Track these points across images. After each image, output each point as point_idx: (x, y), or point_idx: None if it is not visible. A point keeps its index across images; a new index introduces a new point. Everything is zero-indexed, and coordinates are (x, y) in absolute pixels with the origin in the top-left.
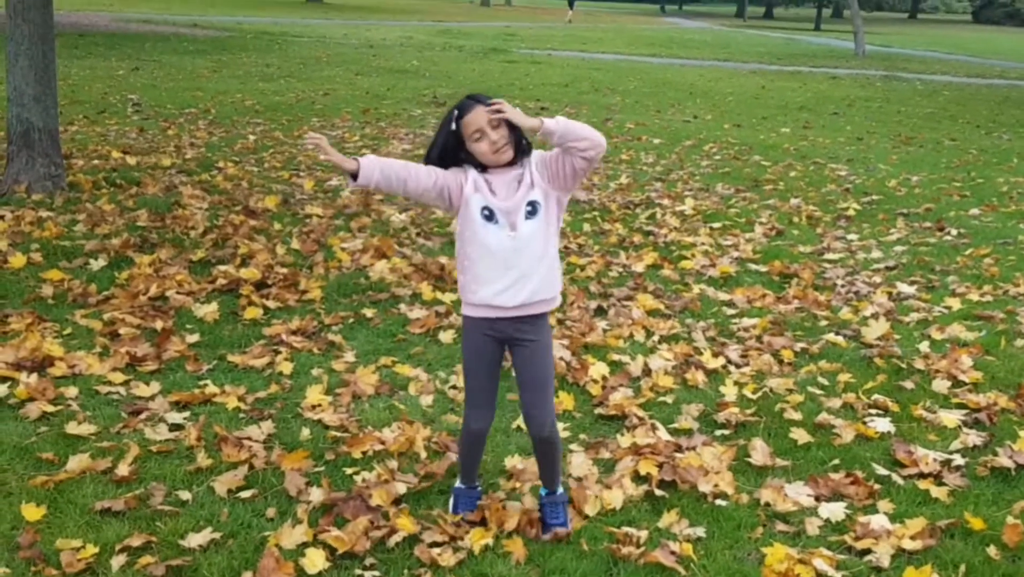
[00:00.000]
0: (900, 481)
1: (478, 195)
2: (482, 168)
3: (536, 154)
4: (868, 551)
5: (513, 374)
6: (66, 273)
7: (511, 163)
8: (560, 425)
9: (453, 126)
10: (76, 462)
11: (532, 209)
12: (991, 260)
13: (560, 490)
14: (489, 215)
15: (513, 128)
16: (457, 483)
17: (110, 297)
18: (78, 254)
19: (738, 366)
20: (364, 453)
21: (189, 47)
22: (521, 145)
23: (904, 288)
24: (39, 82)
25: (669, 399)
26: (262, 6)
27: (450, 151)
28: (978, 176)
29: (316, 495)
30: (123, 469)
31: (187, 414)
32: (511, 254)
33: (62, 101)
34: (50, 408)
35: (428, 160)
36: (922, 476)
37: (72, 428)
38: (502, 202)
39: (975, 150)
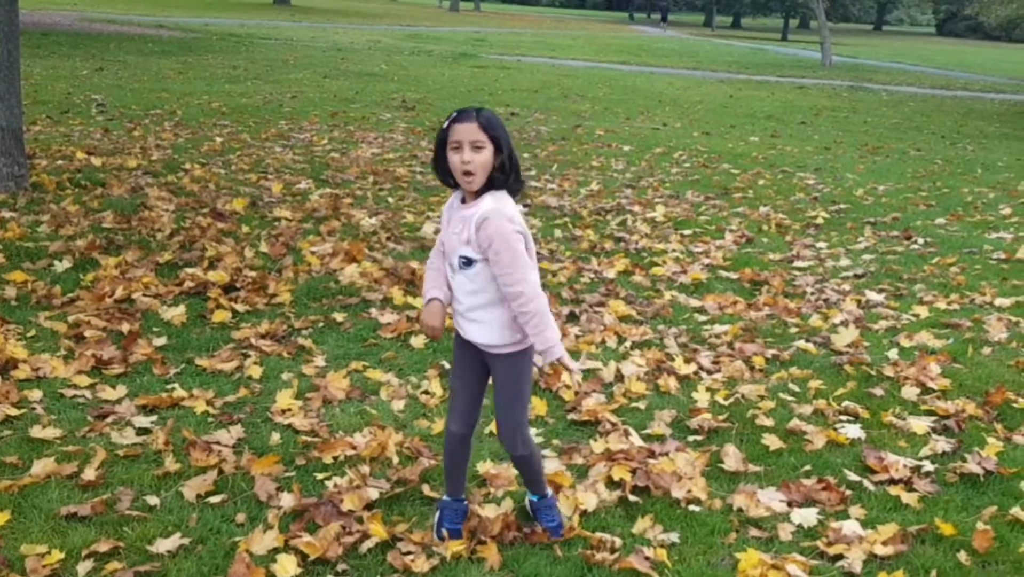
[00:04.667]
0: (871, 487)
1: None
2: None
3: (488, 223)
4: (840, 556)
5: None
6: (30, 274)
7: (477, 196)
8: (533, 430)
9: (445, 124)
10: (41, 466)
11: (466, 262)
12: (957, 269)
13: (549, 492)
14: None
15: (494, 164)
16: (443, 495)
17: (75, 299)
18: (42, 255)
19: (710, 372)
20: (335, 458)
21: (154, 48)
22: (493, 185)
23: (873, 296)
24: (3, 80)
25: (642, 405)
26: (228, 7)
27: (440, 154)
28: (943, 186)
29: (287, 500)
30: (89, 473)
31: (154, 418)
32: (455, 289)
33: (24, 101)
34: (13, 411)
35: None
36: (893, 482)
37: (37, 432)
38: (445, 235)
39: (940, 160)
